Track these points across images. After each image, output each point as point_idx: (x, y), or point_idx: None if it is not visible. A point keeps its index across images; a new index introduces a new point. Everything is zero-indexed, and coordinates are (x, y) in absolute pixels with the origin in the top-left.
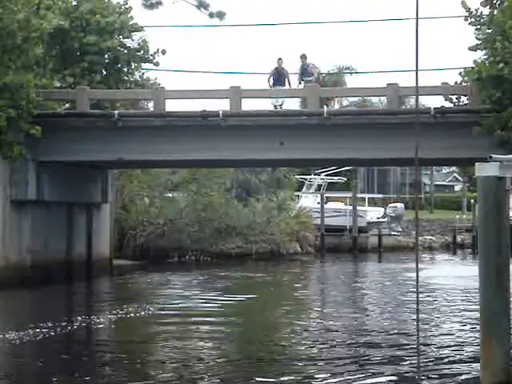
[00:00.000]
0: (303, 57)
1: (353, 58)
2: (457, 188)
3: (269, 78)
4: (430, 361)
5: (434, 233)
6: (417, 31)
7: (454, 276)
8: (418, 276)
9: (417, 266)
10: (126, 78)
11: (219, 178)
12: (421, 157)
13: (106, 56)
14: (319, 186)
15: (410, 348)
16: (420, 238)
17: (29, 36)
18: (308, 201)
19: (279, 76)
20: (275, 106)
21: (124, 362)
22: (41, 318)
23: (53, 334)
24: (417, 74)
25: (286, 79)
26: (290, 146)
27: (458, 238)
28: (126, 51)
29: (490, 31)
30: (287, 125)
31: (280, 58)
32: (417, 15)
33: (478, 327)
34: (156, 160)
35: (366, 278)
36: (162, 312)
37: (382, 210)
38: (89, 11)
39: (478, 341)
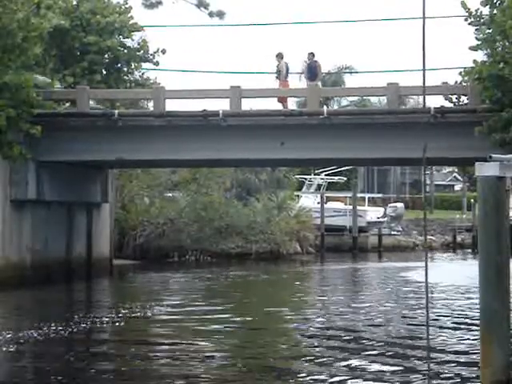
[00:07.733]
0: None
1: (353, 57)
2: (457, 188)
3: (301, 74)
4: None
5: (434, 232)
6: (423, 32)
7: (455, 275)
8: (427, 276)
9: (426, 266)
10: (125, 77)
11: (219, 178)
12: (421, 157)
13: (106, 56)
14: (319, 186)
15: (409, 348)
16: (420, 238)
17: (28, 35)
18: (308, 200)
19: (311, 71)
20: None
21: (124, 362)
22: (41, 318)
23: (53, 334)
24: (424, 73)
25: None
26: (290, 146)
27: (458, 238)
28: (125, 51)
29: (490, 31)
30: (288, 124)
31: (311, 53)
32: (424, 15)
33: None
34: (156, 160)
35: (366, 277)
36: (162, 312)
37: (381, 209)
38: (89, 11)
39: (477, 340)
